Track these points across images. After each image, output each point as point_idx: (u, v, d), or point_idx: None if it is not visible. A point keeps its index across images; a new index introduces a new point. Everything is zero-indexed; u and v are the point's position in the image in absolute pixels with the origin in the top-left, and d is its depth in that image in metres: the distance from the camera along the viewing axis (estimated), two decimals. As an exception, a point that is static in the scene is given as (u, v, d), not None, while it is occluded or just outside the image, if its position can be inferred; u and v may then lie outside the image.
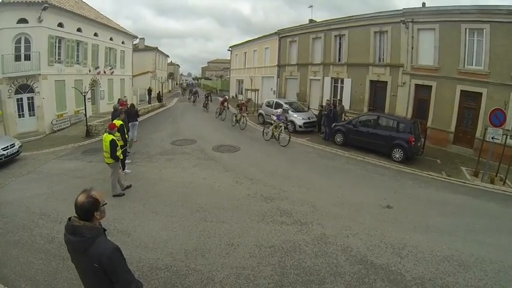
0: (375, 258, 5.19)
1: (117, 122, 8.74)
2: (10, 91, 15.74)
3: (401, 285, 4.54)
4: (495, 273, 4.93)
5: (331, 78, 20.60)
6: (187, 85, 54.74)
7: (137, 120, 13.62)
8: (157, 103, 28.66)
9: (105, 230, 2.49)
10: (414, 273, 4.83)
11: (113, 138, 7.62)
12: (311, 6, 25.17)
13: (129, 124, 11.88)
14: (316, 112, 17.75)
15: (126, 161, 9.88)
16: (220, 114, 20.85)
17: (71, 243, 2.32)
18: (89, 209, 2.30)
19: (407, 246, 5.63)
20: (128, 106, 13.22)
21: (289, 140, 13.37)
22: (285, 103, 17.73)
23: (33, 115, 16.84)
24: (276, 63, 25.98)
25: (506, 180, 9.84)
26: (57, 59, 17.92)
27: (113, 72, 24.71)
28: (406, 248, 5.54)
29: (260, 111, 19.97)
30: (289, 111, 16.95)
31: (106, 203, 2.44)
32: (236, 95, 33.64)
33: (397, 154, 11.64)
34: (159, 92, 32.80)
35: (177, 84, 67.51)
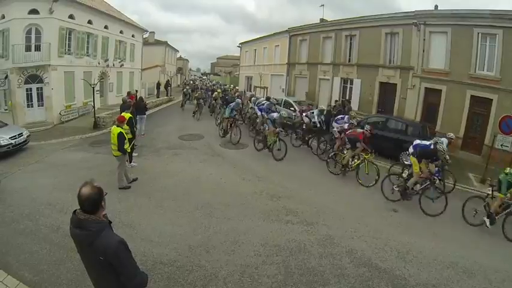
0: (379, 262, 5.17)
1: (126, 115, 8.77)
2: (20, 81, 15.86)
3: (406, 290, 4.52)
4: (499, 282, 4.90)
5: (341, 78, 20.47)
6: (205, 88, 29.56)
7: (145, 114, 13.70)
8: (165, 97, 28.62)
9: (110, 222, 2.50)
10: (418, 278, 4.80)
11: (120, 131, 7.67)
12: (322, 5, 24.99)
13: (137, 117, 11.95)
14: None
15: (133, 154, 9.93)
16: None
17: (77, 237, 2.33)
18: (96, 200, 2.30)
19: (412, 251, 5.59)
20: (137, 99, 13.29)
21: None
22: (293, 102, 17.62)
23: (42, 105, 16.97)
24: (286, 62, 25.88)
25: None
26: (67, 50, 17.99)
27: (122, 65, 24.79)
28: (411, 253, 5.51)
29: None
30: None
31: (107, 193, 2.47)
32: (245, 92, 33.68)
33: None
34: (168, 80, 32.00)
35: (185, 79, 53.10)
